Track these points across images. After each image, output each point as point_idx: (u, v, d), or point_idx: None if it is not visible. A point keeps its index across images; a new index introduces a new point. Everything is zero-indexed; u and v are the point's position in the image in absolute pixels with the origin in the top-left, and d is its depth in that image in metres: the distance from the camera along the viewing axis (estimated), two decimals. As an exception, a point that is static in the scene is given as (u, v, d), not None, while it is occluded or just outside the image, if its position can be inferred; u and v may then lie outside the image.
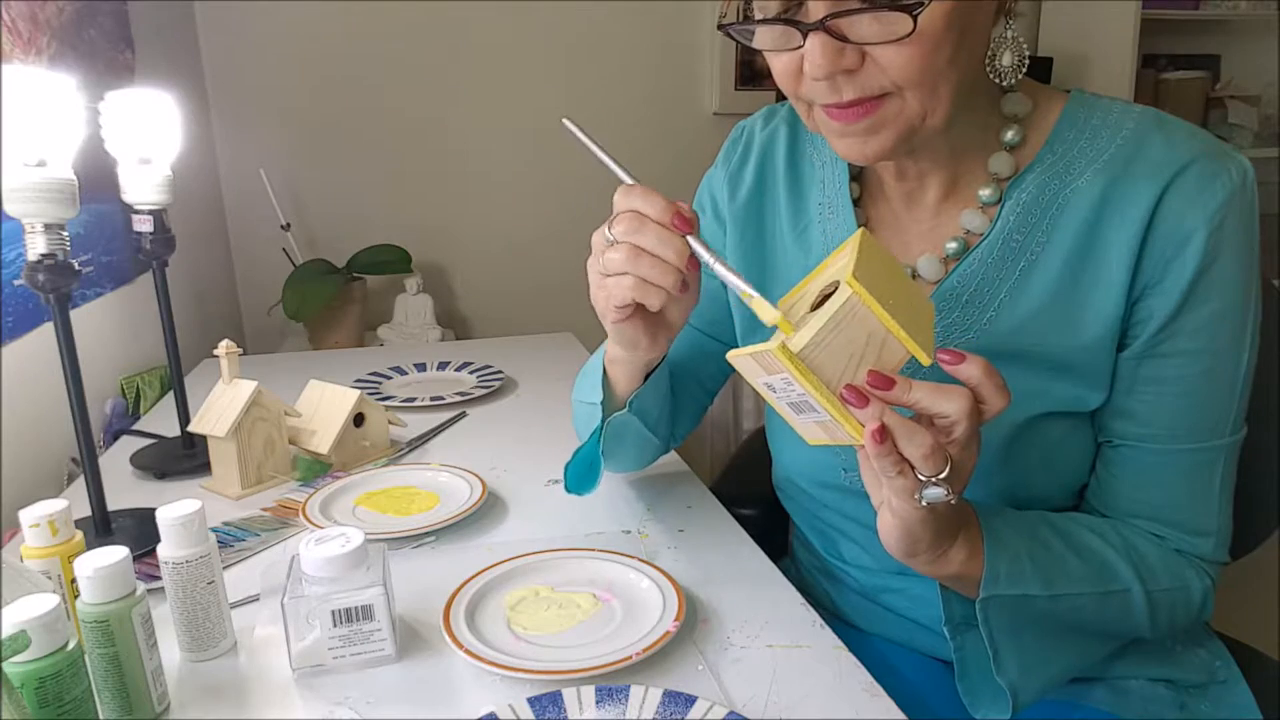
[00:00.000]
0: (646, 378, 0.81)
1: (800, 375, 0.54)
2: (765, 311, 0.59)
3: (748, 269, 0.84)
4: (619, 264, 0.65)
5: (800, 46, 0.61)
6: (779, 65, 0.65)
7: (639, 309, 0.70)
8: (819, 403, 0.55)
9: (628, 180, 0.67)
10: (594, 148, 0.67)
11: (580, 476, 0.88)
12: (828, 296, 0.57)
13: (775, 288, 0.82)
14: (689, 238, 0.64)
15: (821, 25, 0.59)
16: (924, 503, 0.57)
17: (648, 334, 0.73)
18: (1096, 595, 0.67)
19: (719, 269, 0.62)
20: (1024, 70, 0.67)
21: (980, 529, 0.65)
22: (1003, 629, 0.66)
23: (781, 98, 0.76)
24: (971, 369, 0.56)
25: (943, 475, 0.56)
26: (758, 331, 0.85)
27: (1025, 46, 0.67)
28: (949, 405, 0.55)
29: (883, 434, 0.54)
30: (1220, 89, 2.69)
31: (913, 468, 0.56)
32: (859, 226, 0.77)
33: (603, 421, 0.80)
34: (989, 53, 0.67)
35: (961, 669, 0.70)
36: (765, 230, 0.84)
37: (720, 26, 0.66)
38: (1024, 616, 0.66)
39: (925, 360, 0.56)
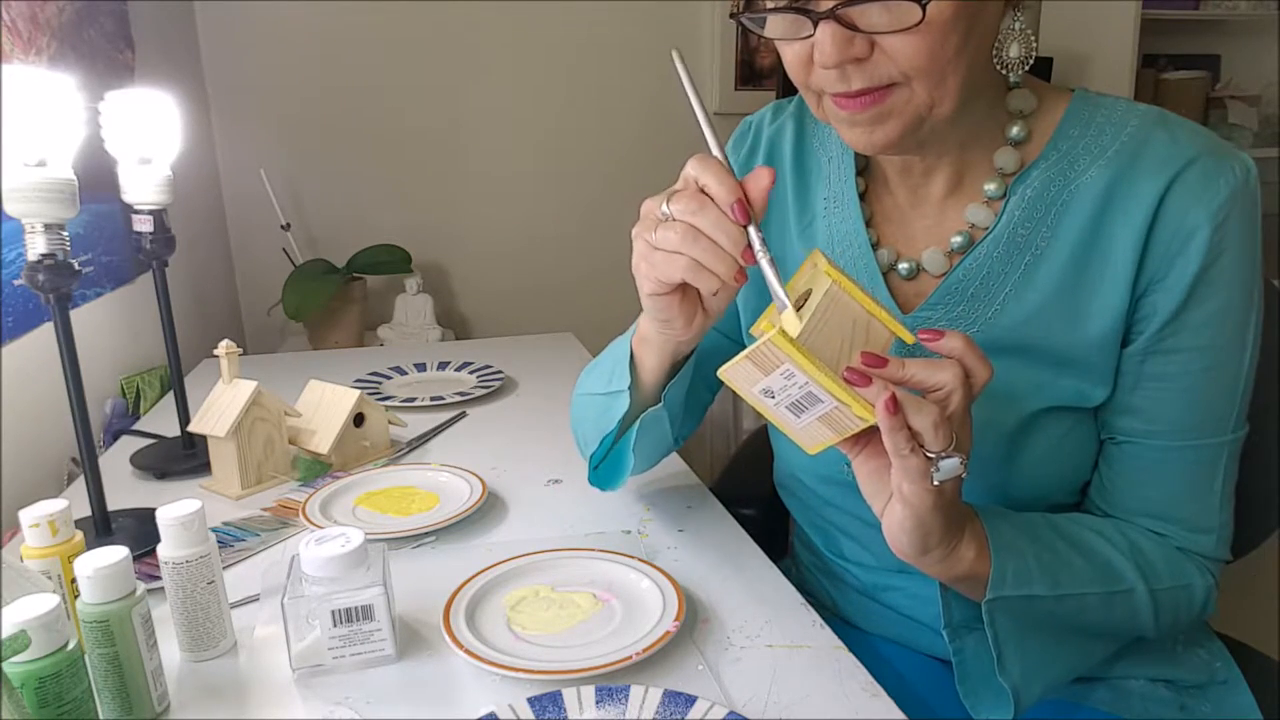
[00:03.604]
0: (672, 370, 0.78)
1: (804, 359, 0.55)
2: (790, 324, 0.57)
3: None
4: (674, 243, 0.62)
5: (811, 35, 0.62)
6: (789, 54, 0.66)
7: (682, 286, 0.67)
8: (824, 387, 0.56)
9: (712, 144, 0.63)
10: (693, 98, 0.63)
11: (609, 473, 0.87)
12: (798, 309, 0.58)
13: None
14: (750, 229, 0.61)
15: (832, 14, 0.60)
16: (938, 480, 0.58)
17: (684, 314, 0.69)
18: (1101, 595, 0.67)
19: (765, 267, 0.60)
20: (1031, 62, 0.67)
21: (984, 529, 0.65)
22: (1008, 630, 0.66)
23: (782, 96, 0.76)
24: (953, 341, 0.58)
25: (951, 448, 0.57)
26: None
27: (1033, 38, 0.67)
28: (943, 375, 0.57)
29: (895, 404, 0.55)
30: (1220, 89, 2.70)
31: (921, 447, 0.57)
32: (864, 220, 0.77)
33: (631, 408, 0.78)
34: (996, 45, 0.67)
35: (962, 673, 0.70)
36: (771, 224, 0.84)
37: (733, 15, 0.66)
38: (1029, 617, 0.66)
39: (909, 338, 0.59)
